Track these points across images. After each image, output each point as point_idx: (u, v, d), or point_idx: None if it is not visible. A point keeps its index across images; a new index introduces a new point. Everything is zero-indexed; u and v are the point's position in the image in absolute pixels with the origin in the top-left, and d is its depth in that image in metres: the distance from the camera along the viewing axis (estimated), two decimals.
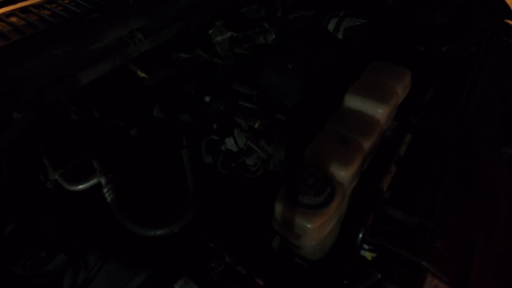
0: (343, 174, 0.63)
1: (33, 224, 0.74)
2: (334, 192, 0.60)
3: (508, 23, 1.14)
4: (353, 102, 0.75)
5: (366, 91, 0.77)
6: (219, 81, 1.09)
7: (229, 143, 0.97)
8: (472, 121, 0.92)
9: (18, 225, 0.73)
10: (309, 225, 0.58)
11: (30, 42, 0.92)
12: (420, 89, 0.84)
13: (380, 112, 0.71)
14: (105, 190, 0.74)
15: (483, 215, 0.70)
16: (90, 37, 0.98)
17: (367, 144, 0.66)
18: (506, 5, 1.18)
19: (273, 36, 1.22)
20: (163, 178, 0.90)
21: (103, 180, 0.75)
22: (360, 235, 0.65)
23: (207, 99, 1.00)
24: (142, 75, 1.09)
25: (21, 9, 1.08)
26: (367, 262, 0.68)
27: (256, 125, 0.92)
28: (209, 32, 1.24)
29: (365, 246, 0.68)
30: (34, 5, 1.11)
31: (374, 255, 0.68)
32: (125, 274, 0.65)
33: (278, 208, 0.62)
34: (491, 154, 0.89)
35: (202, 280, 0.65)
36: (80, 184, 0.77)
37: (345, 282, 0.67)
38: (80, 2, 1.13)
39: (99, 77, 0.96)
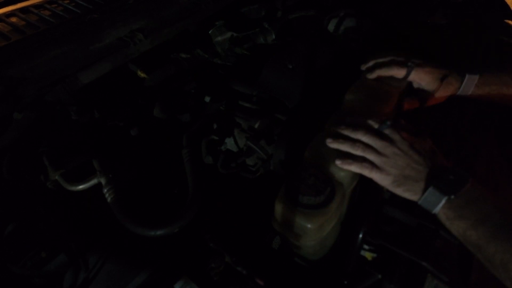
0: (343, 174, 0.63)
1: (33, 224, 0.74)
2: (334, 192, 0.60)
3: (508, 23, 1.14)
4: (353, 102, 0.75)
5: (366, 91, 0.77)
6: (219, 81, 1.09)
7: (229, 143, 0.97)
8: (472, 121, 0.92)
9: (18, 225, 0.73)
10: (309, 225, 0.58)
11: (30, 42, 0.92)
12: None
13: (380, 112, 0.71)
14: (105, 190, 0.74)
15: None
16: (90, 37, 0.98)
17: None
18: (506, 5, 1.18)
19: (273, 36, 1.22)
20: (163, 178, 0.90)
21: (103, 180, 0.75)
22: (360, 235, 0.66)
23: (207, 99, 1.00)
24: (142, 75, 1.09)
25: (21, 9, 1.08)
26: (367, 262, 0.68)
27: (256, 125, 0.92)
28: (209, 32, 1.24)
29: (365, 246, 0.68)
30: (34, 5, 1.11)
31: (374, 255, 0.68)
32: (125, 274, 0.65)
33: (278, 208, 0.62)
34: (491, 154, 0.89)
35: (202, 280, 0.65)
36: (80, 184, 0.77)
37: (345, 282, 0.67)
38: (80, 2, 1.13)
39: (99, 77, 0.96)
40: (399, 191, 0.59)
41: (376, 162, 0.60)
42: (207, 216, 0.80)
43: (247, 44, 1.23)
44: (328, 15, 1.18)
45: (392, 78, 0.79)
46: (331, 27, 1.16)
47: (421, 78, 0.78)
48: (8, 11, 1.07)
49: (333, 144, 0.63)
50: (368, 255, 0.68)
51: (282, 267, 0.76)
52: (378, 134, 0.62)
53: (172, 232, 0.70)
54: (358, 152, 0.61)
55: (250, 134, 0.93)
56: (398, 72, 0.78)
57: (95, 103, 0.97)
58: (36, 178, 0.81)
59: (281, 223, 0.63)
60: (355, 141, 0.62)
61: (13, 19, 1.03)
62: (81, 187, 0.77)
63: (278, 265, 0.77)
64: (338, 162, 0.61)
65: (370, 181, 0.62)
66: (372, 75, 0.80)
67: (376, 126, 0.63)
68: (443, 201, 0.55)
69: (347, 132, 0.63)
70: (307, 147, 0.67)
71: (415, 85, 0.81)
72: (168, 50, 1.19)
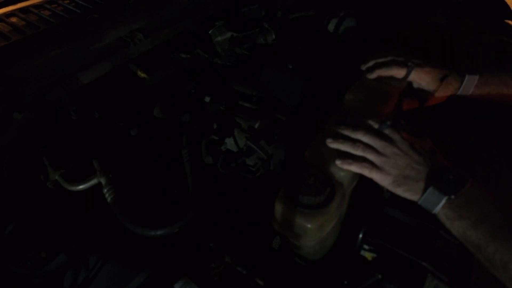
0: (343, 174, 0.63)
1: (33, 224, 0.74)
2: (334, 192, 0.60)
3: (508, 23, 1.14)
4: (353, 102, 0.75)
5: (366, 91, 0.77)
6: (219, 81, 1.09)
7: (229, 143, 0.97)
8: (472, 121, 0.92)
9: (18, 225, 0.73)
10: (309, 225, 0.58)
11: (30, 42, 0.92)
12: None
13: (380, 112, 0.71)
14: (105, 190, 0.74)
15: None
16: (90, 37, 0.98)
17: None
18: (506, 5, 1.18)
19: (273, 36, 1.22)
20: (163, 178, 0.90)
21: (103, 180, 0.75)
22: (360, 235, 0.66)
23: (207, 99, 1.00)
24: (142, 75, 1.09)
25: (21, 9, 1.08)
26: (367, 262, 0.68)
27: (256, 125, 0.92)
28: (209, 32, 1.24)
29: (365, 246, 0.68)
30: (34, 5, 1.11)
31: (374, 255, 0.68)
32: (125, 274, 0.65)
33: (278, 208, 0.62)
34: (491, 154, 0.89)
35: (202, 280, 0.65)
36: (80, 184, 0.77)
37: (345, 282, 0.67)
38: (80, 2, 1.13)
39: (99, 77, 0.96)
40: (399, 191, 0.59)
41: (376, 162, 0.60)
42: (207, 216, 0.80)
43: (247, 44, 1.23)
44: (328, 15, 1.18)
45: (392, 78, 0.79)
46: (331, 27, 1.17)
47: (421, 78, 0.78)
48: (8, 11, 1.07)
49: (333, 144, 0.63)
50: (368, 255, 0.68)
51: (282, 267, 0.76)
52: (378, 134, 0.62)
53: (172, 232, 0.70)
54: (358, 152, 0.61)
55: (250, 134, 0.93)
56: (398, 72, 0.78)
57: (95, 103, 0.97)
58: (36, 178, 0.81)
59: (281, 223, 0.63)
60: (355, 141, 0.62)
61: (13, 19, 1.03)
62: (81, 187, 0.77)
63: (278, 265, 0.77)
64: (338, 162, 0.61)
65: (370, 181, 0.62)
66: (372, 75, 0.80)
67: (376, 126, 0.63)
68: (443, 201, 0.55)
69: (347, 132, 0.63)
70: (307, 147, 0.67)
71: (415, 85, 0.81)
72: (168, 50, 1.19)
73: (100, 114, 0.95)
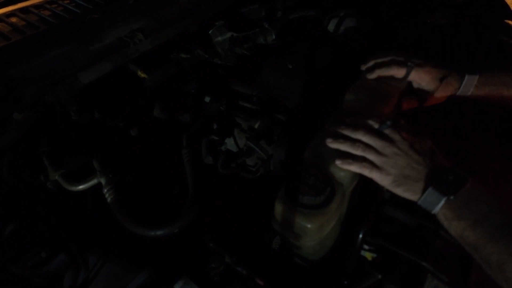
0: (343, 174, 0.63)
1: (33, 224, 0.74)
2: (334, 192, 0.60)
3: (508, 23, 1.14)
4: (353, 102, 0.75)
5: (366, 91, 0.77)
6: (219, 81, 1.09)
7: (229, 143, 0.97)
8: (472, 121, 0.92)
9: (18, 225, 0.73)
10: (309, 225, 0.58)
11: (30, 42, 0.92)
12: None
13: (380, 112, 0.71)
14: (105, 190, 0.74)
15: None
16: (90, 37, 0.98)
17: None
18: (506, 5, 1.18)
19: (273, 36, 1.22)
20: (163, 178, 0.90)
21: (103, 180, 0.75)
22: (360, 235, 0.66)
23: (207, 99, 1.00)
24: (142, 75, 1.09)
25: (21, 9, 1.08)
26: (367, 262, 0.68)
27: (256, 125, 0.92)
28: (209, 32, 1.24)
29: (365, 246, 0.68)
30: (34, 5, 1.11)
31: (374, 255, 0.68)
32: (125, 274, 0.65)
33: (278, 208, 0.62)
34: (491, 154, 0.89)
35: (202, 280, 0.65)
36: (80, 184, 0.77)
37: (345, 282, 0.67)
38: (80, 2, 1.13)
39: (99, 77, 0.96)
40: (399, 191, 0.59)
41: (376, 162, 0.60)
42: (207, 216, 0.80)
43: (247, 44, 1.23)
44: (328, 15, 1.18)
45: (392, 78, 0.79)
46: (331, 27, 1.17)
47: (421, 78, 0.78)
48: (8, 11, 1.07)
49: (333, 144, 0.63)
50: (368, 255, 0.68)
51: (282, 267, 0.76)
52: (378, 134, 0.62)
53: (172, 232, 0.70)
54: (358, 152, 0.61)
55: (250, 134, 0.93)
56: (398, 72, 0.78)
57: (95, 103, 0.97)
58: (36, 178, 0.81)
59: (281, 223, 0.63)
60: (355, 141, 0.62)
61: (13, 19, 1.03)
62: (81, 187, 0.77)
63: (278, 265, 0.77)
64: (338, 162, 0.61)
65: (370, 181, 0.62)
66: (372, 75, 0.80)
67: (376, 126, 0.63)
68: (443, 202, 0.55)
69: (347, 132, 0.63)
70: (307, 147, 0.67)
71: (415, 85, 0.81)
72: (168, 50, 1.19)
73: (100, 114, 0.95)
